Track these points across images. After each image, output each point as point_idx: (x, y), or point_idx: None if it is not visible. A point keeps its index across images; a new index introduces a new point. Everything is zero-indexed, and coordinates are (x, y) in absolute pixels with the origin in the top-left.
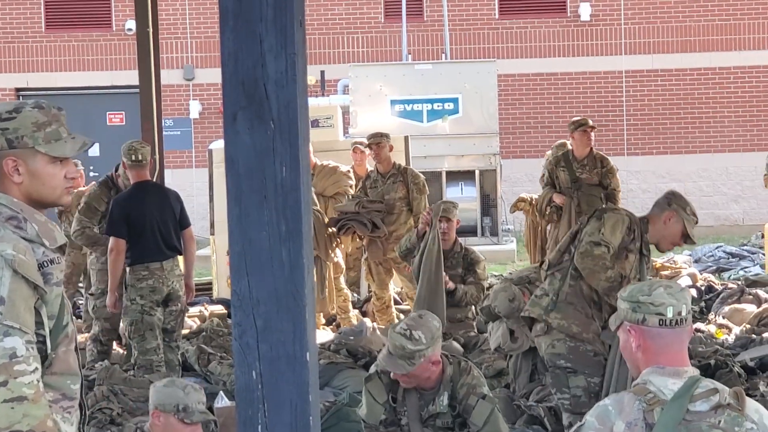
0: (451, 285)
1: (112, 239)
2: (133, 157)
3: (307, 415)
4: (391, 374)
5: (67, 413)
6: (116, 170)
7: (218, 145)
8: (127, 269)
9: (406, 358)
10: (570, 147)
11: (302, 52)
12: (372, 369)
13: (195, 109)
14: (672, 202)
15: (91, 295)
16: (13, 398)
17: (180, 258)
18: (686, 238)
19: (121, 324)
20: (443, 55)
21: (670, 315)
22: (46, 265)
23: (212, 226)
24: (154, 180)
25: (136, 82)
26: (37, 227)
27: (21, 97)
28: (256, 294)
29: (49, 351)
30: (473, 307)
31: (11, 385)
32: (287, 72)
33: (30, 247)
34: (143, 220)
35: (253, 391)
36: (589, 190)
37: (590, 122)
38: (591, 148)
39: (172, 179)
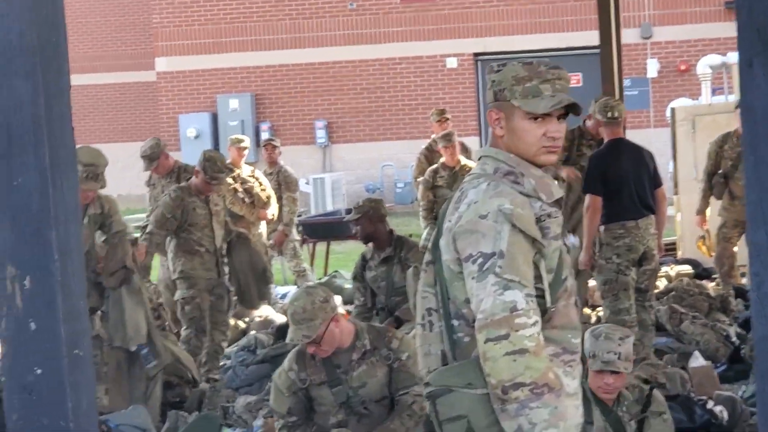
0: None
1: (588, 196)
2: (609, 114)
3: None
4: None
5: (568, 367)
6: (584, 123)
7: (680, 104)
8: (601, 228)
9: None
10: None
11: None
12: None
13: (653, 67)
14: None
15: None
16: (515, 351)
17: (652, 217)
18: None
19: (591, 282)
20: None
21: None
22: (543, 219)
23: (676, 185)
24: None
25: (592, 43)
26: (533, 182)
27: (479, 63)
28: None
29: (548, 305)
30: None
31: (513, 338)
32: None
33: (528, 202)
34: (619, 178)
35: None
36: None
37: None
38: None
39: (631, 139)
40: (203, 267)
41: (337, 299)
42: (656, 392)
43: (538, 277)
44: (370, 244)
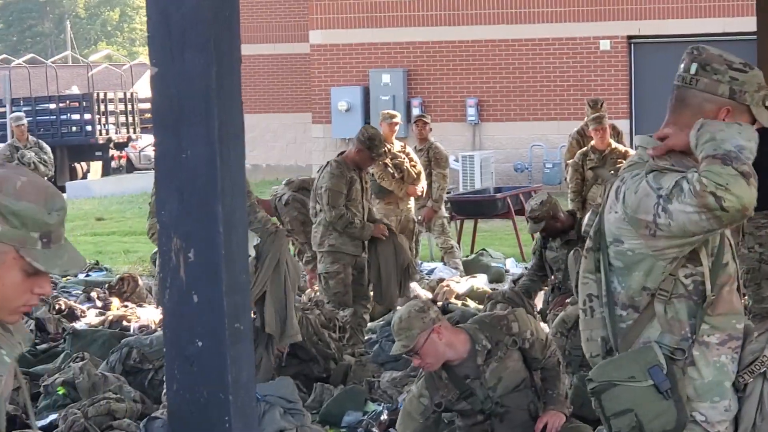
0: None
1: None
2: None
3: None
4: None
5: (735, 353)
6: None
7: None
8: None
9: None
10: None
11: None
12: None
13: None
14: None
15: None
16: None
17: None
18: None
19: None
20: None
21: None
22: None
23: None
24: None
25: (750, 29)
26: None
27: (632, 46)
28: None
29: (708, 291)
30: None
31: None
32: None
33: None
34: (763, 167)
35: None
36: None
37: None
38: None
39: None
40: (353, 243)
41: (483, 278)
42: None
43: (697, 262)
44: None
